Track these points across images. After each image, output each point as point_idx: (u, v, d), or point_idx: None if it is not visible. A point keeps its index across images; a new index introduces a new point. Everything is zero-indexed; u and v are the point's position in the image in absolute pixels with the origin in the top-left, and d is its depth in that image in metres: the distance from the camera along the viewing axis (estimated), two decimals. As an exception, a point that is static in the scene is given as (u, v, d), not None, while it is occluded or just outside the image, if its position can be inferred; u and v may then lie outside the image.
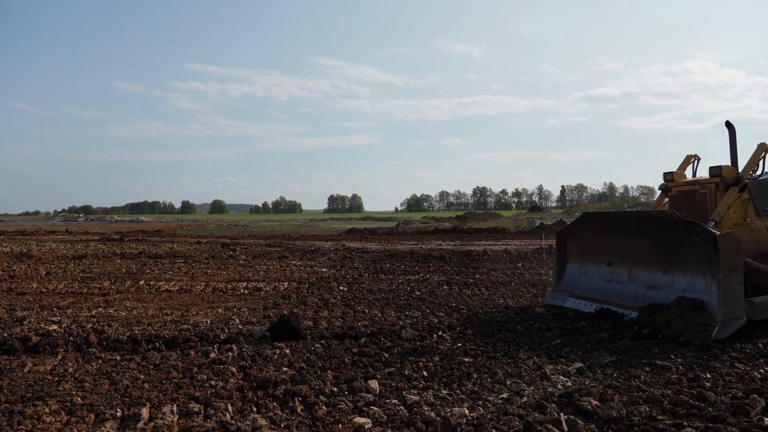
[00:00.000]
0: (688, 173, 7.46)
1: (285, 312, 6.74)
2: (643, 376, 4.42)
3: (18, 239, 24.49)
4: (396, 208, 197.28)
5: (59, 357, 5.10)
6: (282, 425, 3.48)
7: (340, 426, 3.46)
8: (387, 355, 5.02)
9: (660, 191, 7.56)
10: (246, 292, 9.22)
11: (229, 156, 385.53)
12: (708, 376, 4.43)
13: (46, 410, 3.66)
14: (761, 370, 4.56)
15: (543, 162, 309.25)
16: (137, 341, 5.48)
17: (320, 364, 4.75)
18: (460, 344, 5.44)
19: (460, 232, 29.60)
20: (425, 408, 3.70)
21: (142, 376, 4.46)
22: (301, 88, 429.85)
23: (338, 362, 4.82)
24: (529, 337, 5.72)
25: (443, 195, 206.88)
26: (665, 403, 3.78)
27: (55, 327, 6.25)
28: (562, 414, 3.59)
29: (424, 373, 4.49)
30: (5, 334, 5.82)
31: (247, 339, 5.66)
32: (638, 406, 3.69)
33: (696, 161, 7.46)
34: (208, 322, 6.61)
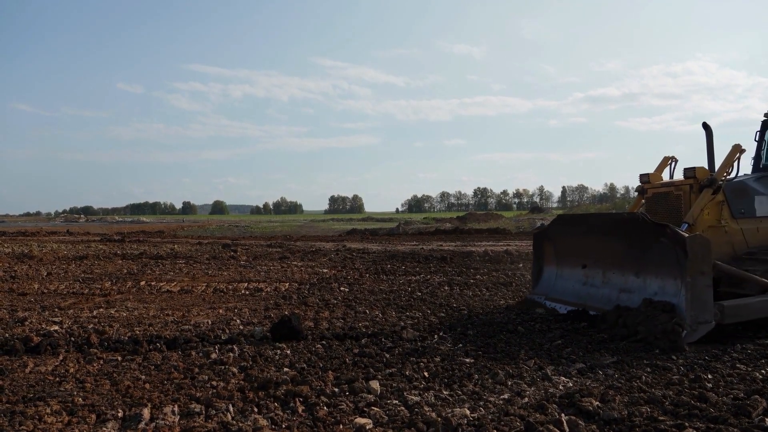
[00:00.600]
0: (666, 175, 7.40)
1: (286, 312, 6.74)
2: (644, 377, 4.42)
3: (19, 240, 24.50)
4: (397, 209, 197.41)
5: (60, 357, 5.11)
6: (283, 426, 3.48)
7: (341, 427, 3.46)
8: (388, 356, 5.02)
9: (637, 193, 7.53)
10: (247, 292, 9.22)
11: (230, 157, 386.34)
12: (709, 376, 4.42)
13: (48, 411, 3.66)
14: (763, 371, 4.56)
15: (544, 163, 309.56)
16: (138, 342, 5.48)
17: (321, 365, 4.75)
18: (461, 345, 5.44)
19: (460, 233, 29.58)
20: (426, 408, 3.70)
21: (143, 377, 4.47)
22: (301, 88, 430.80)
23: (339, 363, 4.82)
24: (530, 337, 5.71)
25: (444, 196, 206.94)
26: (666, 403, 3.78)
27: (56, 327, 6.26)
28: (563, 415, 3.58)
29: (425, 373, 4.49)
30: (7, 335, 5.82)
31: (248, 339, 5.66)
32: (639, 407, 3.68)
33: (673, 163, 7.40)
34: (209, 322, 6.61)
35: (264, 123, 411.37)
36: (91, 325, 6.36)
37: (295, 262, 14.10)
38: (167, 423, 3.49)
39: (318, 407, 3.74)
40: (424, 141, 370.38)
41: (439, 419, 3.49)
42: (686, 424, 3.41)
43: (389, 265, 13.15)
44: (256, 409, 3.75)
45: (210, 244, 21.38)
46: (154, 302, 8.24)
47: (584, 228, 7.25)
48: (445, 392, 4.06)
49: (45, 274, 11.77)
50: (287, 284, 10.11)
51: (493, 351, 5.19)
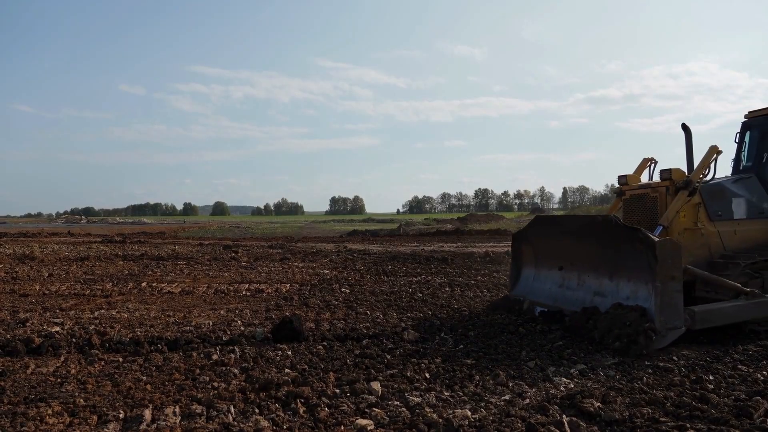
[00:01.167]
0: (645, 177, 7.28)
1: (287, 314, 6.74)
2: (645, 378, 4.41)
3: (20, 241, 24.52)
4: (398, 210, 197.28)
5: (62, 359, 5.11)
6: (284, 427, 3.49)
7: (342, 428, 3.46)
8: (389, 357, 5.02)
9: (616, 195, 7.40)
10: (248, 293, 9.23)
11: (231, 158, 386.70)
12: (711, 378, 4.42)
13: (49, 412, 3.67)
14: (764, 372, 4.56)
15: (545, 163, 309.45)
16: (140, 343, 5.49)
17: (322, 366, 4.75)
18: (462, 346, 5.44)
19: (461, 234, 29.58)
20: (427, 410, 3.70)
21: (144, 378, 4.47)
22: (303, 90, 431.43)
23: (340, 364, 4.82)
24: (531, 338, 5.71)
25: (445, 197, 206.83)
26: (668, 405, 3.78)
27: (57, 329, 6.26)
28: (564, 416, 3.58)
29: (426, 374, 4.49)
30: (8, 336, 5.83)
31: (249, 341, 5.67)
32: (641, 408, 3.68)
33: (652, 164, 7.29)
34: (211, 323, 6.61)
35: (265, 124, 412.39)
36: (93, 327, 6.37)
37: (296, 263, 14.10)
38: (168, 424, 3.50)
39: (319, 408, 3.74)
40: (425, 142, 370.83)
41: (441, 420, 3.49)
42: (688, 425, 3.41)
43: (390, 266, 13.15)
44: (257, 410, 3.75)
45: (211, 245, 21.39)
46: (155, 303, 8.24)
47: (561, 230, 7.17)
48: (446, 393, 4.06)
49: (46, 275, 11.78)
50: (288, 285, 10.11)
51: (494, 352, 5.19)
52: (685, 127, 6.97)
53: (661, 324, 5.11)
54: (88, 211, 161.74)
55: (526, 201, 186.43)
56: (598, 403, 3.77)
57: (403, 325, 6.40)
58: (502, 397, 3.99)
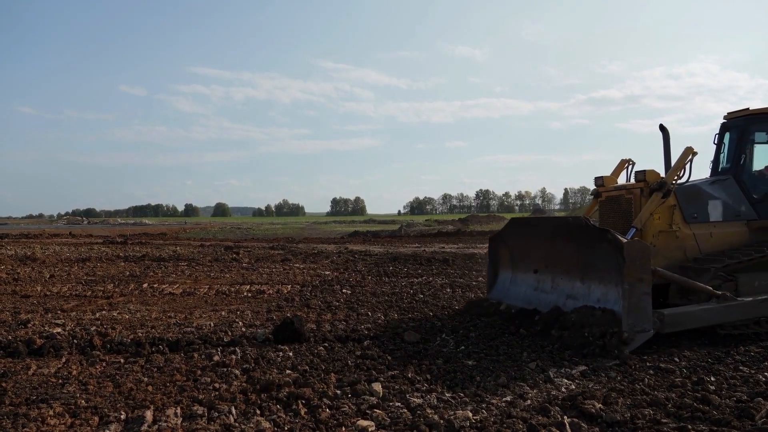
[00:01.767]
0: (623, 179, 7.20)
1: (288, 315, 6.74)
2: (647, 380, 4.41)
3: (22, 242, 24.55)
4: (399, 211, 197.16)
5: (63, 360, 5.12)
6: (285, 428, 3.49)
7: (344, 429, 3.46)
8: (390, 358, 5.02)
9: (593, 196, 7.30)
10: (249, 295, 9.23)
11: (233, 159, 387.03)
12: (712, 379, 4.41)
13: (51, 413, 3.67)
14: (766, 374, 4.55)
15: (546, 164, 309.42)
16: (141, 344, 5.49)
17: (323, 367, 4.75)
18: (463, 347, 5.44)
19: (463, 235, 29.59)
20: (429, 411, 3.70)
21: (145, 379, 4.47)
22: (304, 91, 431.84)
23: (341, 365, 4.82)
24: (532, 339, 5.70)
25: (446, 198, 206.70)
26: (669, 406, 3.77)
27: (59, 330, 6.27)
28: (565, 417, 3.58)
29: (428, 376, 4.48)
30: (10, 337, 5.83)
31: (250, 342, 5.67)
32: (642, 410, 3.68)
33: (630, 166, 7.22)
34: (212, 324, 6.62)
35: (266, 125, 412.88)
36: (94, 328, 6.37)
37: (297, 265, 14.10)
38: (170, 425, 3.50)
39: (320, 409, 3.74)
40: (426, 143, 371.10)
41: (442, 421, 3.49)
42: (689, 426, 3.40)
43: (391, 268, 13.15)
44: (258, 412, 3.75)
45: (212, 246, 21.40)
46: (156, 304, 8.25)
47: (536, 232, 7.05)
48: (447, 394, 4.06)
49: (48, 276, 11.79)
50: (289, 286, 10.11)
51: (496, 353, 5.18)
52: (662, 128, 6.90)
53: (628, 327, 5.03)
54: (89, 213, 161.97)
55: (527, 202, 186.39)
56: (600, 405, 3.77)
57: (404, 326, 6.40)
58: (504, 399, 3.99)
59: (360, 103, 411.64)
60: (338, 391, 4.11)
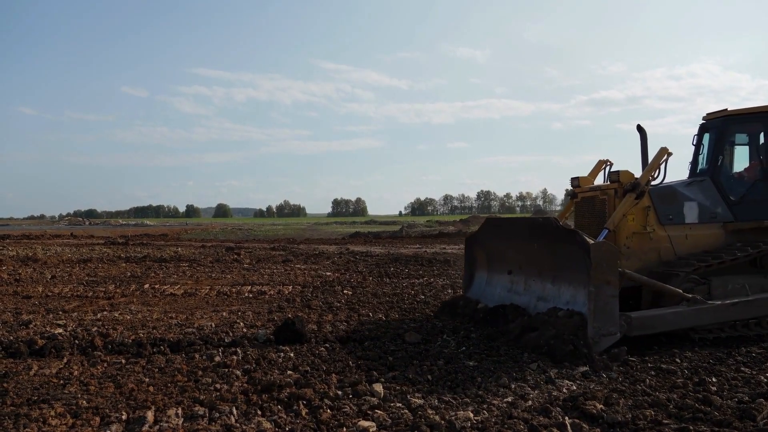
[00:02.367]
0: (600, 179, 7.12)
1: (289, 315, 6.75)
2: (648, 380, 4.41)
3: (23, 243, 24.59)
4: (400, 212, 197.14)
5: (65, 360, 5.12)
6: (286, 429, 3.49)
7: (345, 429, 3.46)
8: (391, 359, 5.02)
9: (569, 197, 7.20)
10: (250, 295, 9.23)
11: (234, 160, 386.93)
12: (714, 380, 4.41)
13: (52, 413, 3.67)
14: (767, 375, 4.54)
15: (547, 165, 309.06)
16: (142, 345, 5.49)
17: (325, 368, 4.75)
18: (464, 348, 5.44)
19: (464, 236, 29.47)
20: (430, 412, 3.69)
21: (147, 380, 4.48)
22: (305, 92, 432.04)
23: (342, 366, 4.82)
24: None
25: (447, 199, 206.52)
26: (671, 407, 3.77)
27: (60, 330, 6.28)
28: (567, 418, 3.58)
29: (429, 376, 4.48)
30: (11, 338, 5.84)
31: (251, 342, 5.67)
32: (643, 410, 3.68)
33: (607, 167, 7.12)
34: (213, 325, 6.62)
35: (267, 126, 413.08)
36: (95, 328, 6.38)
37: (298, 265, 14.11)
38: (171, 426, 3.50)
39: (321, 410, 3.74)
40: (427, 144, 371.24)
41: (443, 422, 3.48)
42: (691, 427, 3.40)
43: (392, 268, 13.15)
44: (259, 412, 3.75)
45: (213, 247, 21.41)
46: (157, 305, 8.25)
47: (510, 233, 6.96)
48: (448, 395, 4.06)
49: (49, 277, 11.81)
50: (290, 287, 10.12)
51: (497, 354, 5.18)
52: (639, 128, 6.83)
53: (594, 330, 4.95)
54: (90, 213, 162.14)
55: (529, 203, 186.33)
56: (601, 405, 3.77)
57: (405, 327, 6.40)
58: (505, 399, 3.99)
59: (361, 104, 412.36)
60: (339, 392, 4.11)
